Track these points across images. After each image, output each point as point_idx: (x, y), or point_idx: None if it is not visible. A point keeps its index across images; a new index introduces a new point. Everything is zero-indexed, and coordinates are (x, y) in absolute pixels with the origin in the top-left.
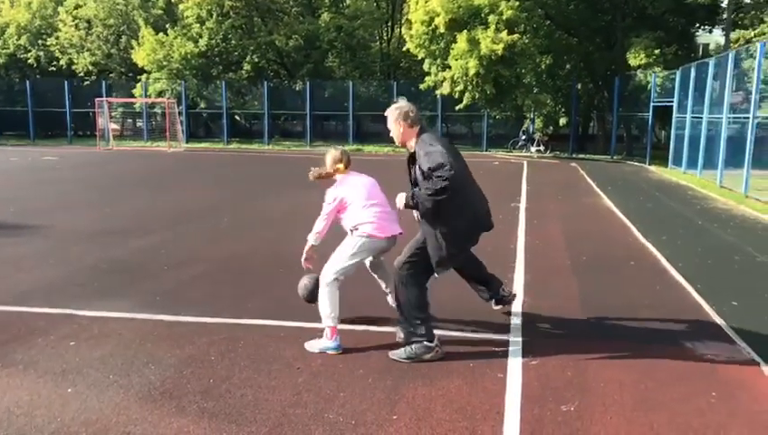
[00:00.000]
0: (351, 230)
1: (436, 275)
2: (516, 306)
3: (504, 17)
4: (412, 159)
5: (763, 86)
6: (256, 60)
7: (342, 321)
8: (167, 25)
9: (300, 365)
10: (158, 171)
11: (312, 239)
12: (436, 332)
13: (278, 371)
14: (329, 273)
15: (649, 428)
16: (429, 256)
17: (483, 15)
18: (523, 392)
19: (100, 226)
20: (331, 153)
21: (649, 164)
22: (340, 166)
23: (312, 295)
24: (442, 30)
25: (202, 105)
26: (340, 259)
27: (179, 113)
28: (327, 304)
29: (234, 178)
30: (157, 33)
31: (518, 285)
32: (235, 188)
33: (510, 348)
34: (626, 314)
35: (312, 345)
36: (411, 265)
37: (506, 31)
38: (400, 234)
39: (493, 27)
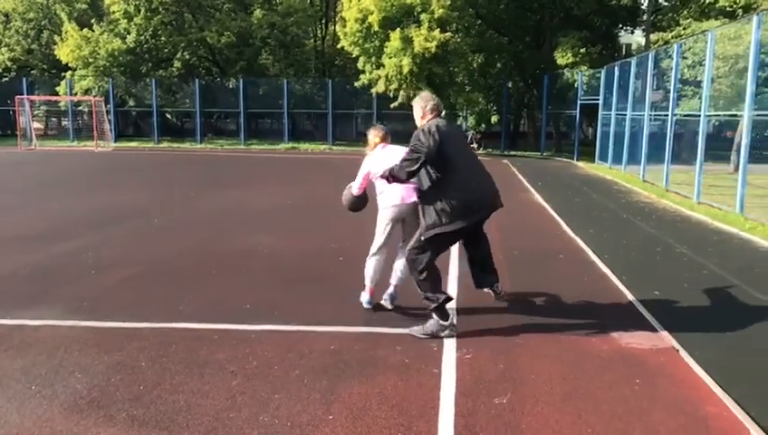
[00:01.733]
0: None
1: (422, 238)
2: (451, 302)
3: (436, 16)
4: None
5: (681, 85)
6: (187, 57)
7: (278, 322)
8: (92, 21)
9: (234, 368)
10: (85, 172)
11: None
12: (372, 329)
13: (211, 375)
14: (370, 250)
15: (578, 416)
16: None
17: (415, 14)
18: (458, 387)
19: (21, 230)
20: (370, 130)
21: (577, 160)
22: (376, 140)
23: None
24: (376, 28)
25: (131, 103)
26: (375, 236)
27: (107, 112)
28: (368, 270)
29: (165, 177)
30: (81, 29)
31: (452, 281)
32: (165, 189)
33: (445, 343)
34: (556, 306)
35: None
36: (419, 249)
37: (439, 29)
38: (414, 203)
39: (425, 26)
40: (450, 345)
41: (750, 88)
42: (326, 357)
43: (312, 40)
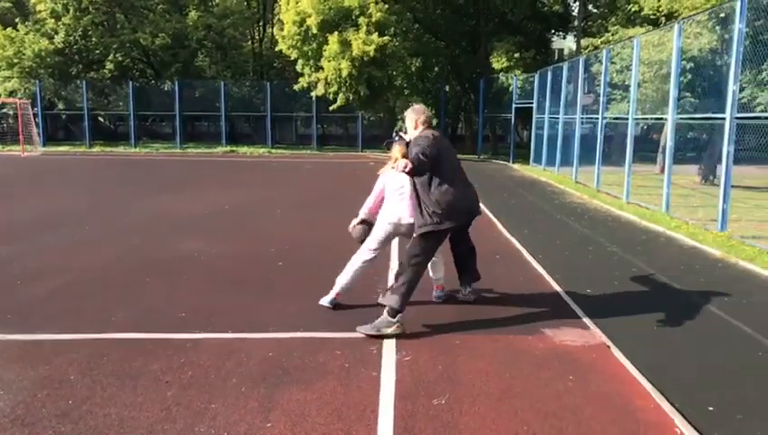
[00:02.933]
0: None
1: (415, 234)
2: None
3: (374, 20)
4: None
5: (610, 89)
6: (120, 58)
7: (215, 330)
8: (16, 20)
9: (169, 379)
10: (11, 178)
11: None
12: (312, 334)
13: (145, 386)
14: (363, 251)
15: (514, 414)
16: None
17: (353, 17)
18: (397, 389)
19: None
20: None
21: (513, 162)
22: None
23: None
24: (314, 31)
25: (60, 106)
26: (369, 240)
27: (34, 115)
28: (345, 275)
29: (97, 182)
30: (5, 28)
31: (392, 283)
32: (97, 194)
33: (384, 346)
34: (492, 306)
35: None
36: (417, 256)
37: (377, 33)
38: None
39: (363, 29)
40: (390, 348)
41: (673, 93)
42: (264, 364)
43: (250, 42)
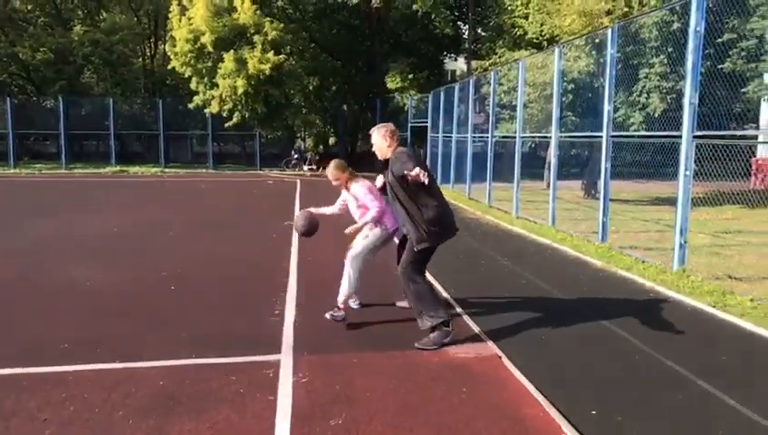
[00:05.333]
0: None
1: (415, 249)
2: (288, 325)
3: (270, 38)
4: (386, 165)
5: (499, 109)
6: None
7: (100, 361)
8: None
9: (47, 416)
10: None
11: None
12: (205, 360)
13: (19, 426)
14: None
15: (410, 430)
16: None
17: (248, 35)
18: (294, 412)
19: None
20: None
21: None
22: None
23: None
24: (209, 49)
25: None
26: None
27: None
28: (351, 282)
29: None
30: None
31: (290, 304)
32: None
33: (281, 368)
34: (388, 322)
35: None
36: (414, 263)
37: (273, 52)
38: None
39: (259, 48)
40: (286, 371)
41: (555, 112)
42: (154, 394)
43: (141, 59)
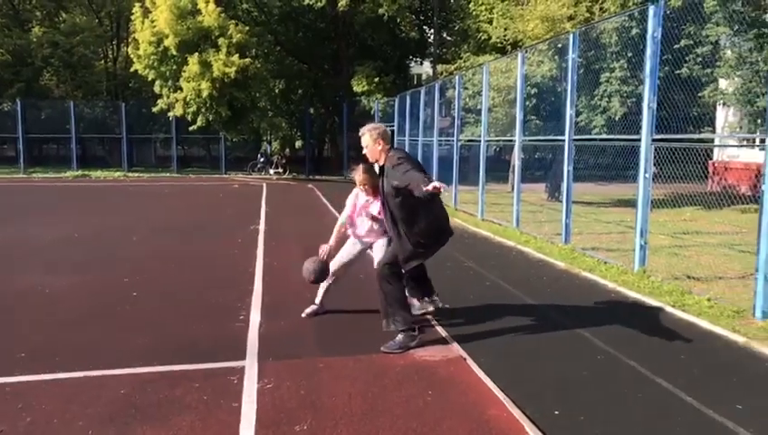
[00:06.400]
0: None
1: (403, 270)
2: (253, 330)
3: (234, 41)
4: (381, 171)
5: (464, 113)
6: None
7: (59, 370)
8: None
9: (3, 428)
10: None
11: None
12: (168, 367)
13: None
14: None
15: (375, 434)
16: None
17: (213, 38)
18: (258, 419)
19: None
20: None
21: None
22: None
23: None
24: (173, 52)
25: None
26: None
27: None
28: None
29: None
30: None
31: (255, 309)
32: None
33: (246, 374)
34: (355, 326)
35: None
36: (392, 265)
37: (238, 54)
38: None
39: (224, 51)
40: (251, 376)
41: (519, 116)
42: (115, 403)
43: (103, 61)
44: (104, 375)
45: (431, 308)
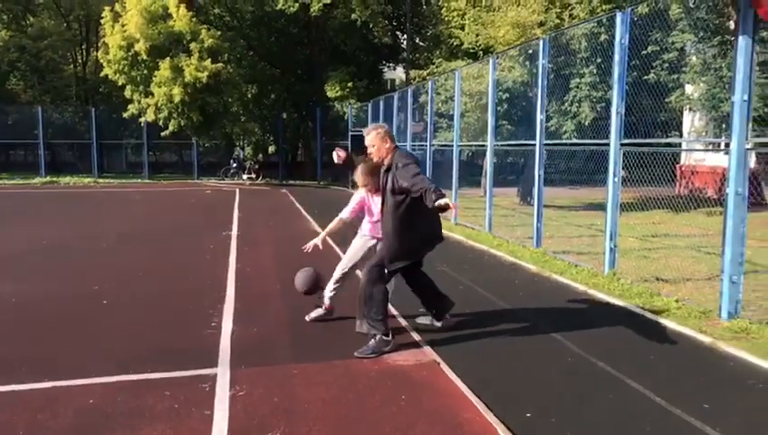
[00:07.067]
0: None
1: (386, 270)
2: (225, 337)
3: (206, 46)
4: (386, 169)
5: (437, 118)
6: None
7: (27, 381)
8: None
9: None
10: None
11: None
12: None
13: None
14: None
15: None
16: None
17: (185, 43)
18: (230, 426)
19: None
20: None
21: (352, 188)
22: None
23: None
24: (144, 57)
25: None
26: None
27: None
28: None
29: None
30: None
31: (227, 316)
32: None
33: (218, 382)
34: (330, 332)
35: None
36: (381, 267)
37: (210, 59)
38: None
39: (196, 55)
40: (223, 384)
41: (491, 121)
42: (85, 413)
43: (72, 66)
44: (73, 385)
45: (426, 321)
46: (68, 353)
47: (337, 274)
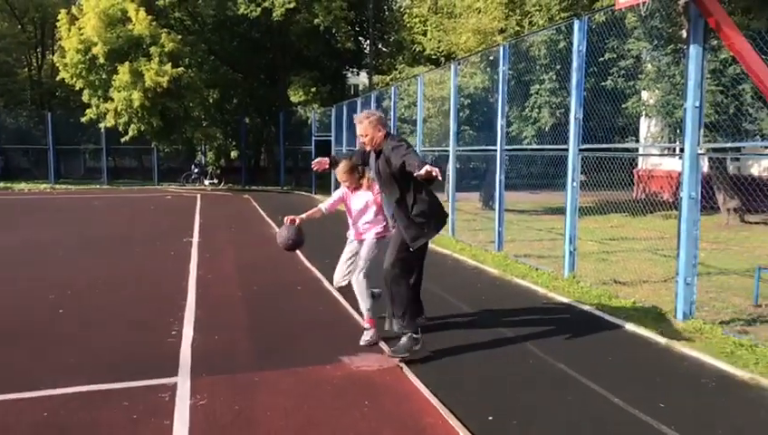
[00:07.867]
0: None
1: (411, 248)
2: (185, 345)
3: (167, 50)
4: (377, 155)
5: (400, 123)
6: None
7: None
8: None
9: None
10: None
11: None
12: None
13: None
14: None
15: None
16: (405, 241)
17: (144, 47)
18: None
19: None
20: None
21: (315, 193)
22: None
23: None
24: (102, 60)
25: None
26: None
27: None
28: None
29: None
30: None
31: (188, 324)
32: None
33: (178, 391)
34: (292, 338)
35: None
36: (397, 265)
37: (170, 64)
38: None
39: (156, 60)
40: (184, 393)
41: (452, 126)
42: (38, 426)
43: (27, 69)
44: (26, 397)
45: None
46: (21, 364)
47: (344, 282)
